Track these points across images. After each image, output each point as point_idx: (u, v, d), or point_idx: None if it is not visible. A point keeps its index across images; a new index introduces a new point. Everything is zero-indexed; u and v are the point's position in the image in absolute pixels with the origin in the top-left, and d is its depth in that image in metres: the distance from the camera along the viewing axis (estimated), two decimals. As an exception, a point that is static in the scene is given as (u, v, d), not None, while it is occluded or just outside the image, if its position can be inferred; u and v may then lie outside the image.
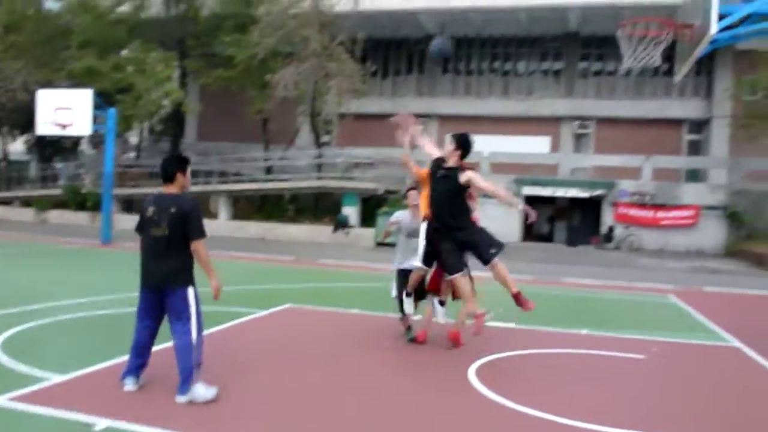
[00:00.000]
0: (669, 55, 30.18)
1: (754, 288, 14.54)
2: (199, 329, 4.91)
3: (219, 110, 30.35)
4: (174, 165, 5.06)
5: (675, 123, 30.26)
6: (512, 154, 27.91)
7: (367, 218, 23.86)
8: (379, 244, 22.44)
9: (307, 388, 5.41)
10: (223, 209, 25.43)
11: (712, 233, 24.62)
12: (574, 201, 27.53)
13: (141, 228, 5.02)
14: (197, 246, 4.88)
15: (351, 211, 23.90)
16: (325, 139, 28.91)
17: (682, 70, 6.68)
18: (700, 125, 30.18)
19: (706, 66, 29.18)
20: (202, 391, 4.80)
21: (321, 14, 22.93)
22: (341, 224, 23.19)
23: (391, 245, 7.75)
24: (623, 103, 30.54)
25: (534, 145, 30.71)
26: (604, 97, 30.97)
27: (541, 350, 7.19)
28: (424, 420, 4.74)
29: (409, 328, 7.28)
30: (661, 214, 24.93)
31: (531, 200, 27.50)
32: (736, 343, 8.11)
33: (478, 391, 5.47)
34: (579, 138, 31.29)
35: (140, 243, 5.05)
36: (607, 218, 25.91)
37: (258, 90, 24.50)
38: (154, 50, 25.48)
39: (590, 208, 26.90)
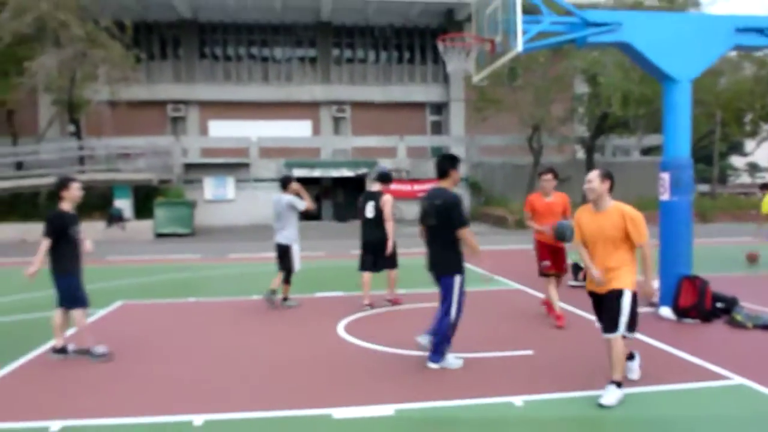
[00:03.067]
0: (410, 44, 33.41)
1: (504, 244, 17.67)
2: (458, 312, 5.67)
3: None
4: (447, 162, 5.79)
5: (419, 106, 33.96)
6: (279, 139, 28.98)
7: (142, 210, 23.08)
8: (159, 236, 22.01)
9: (218, 356, 5.99)
10: (-33, 212, 22.48)
11: (459, 201, 28.50)
12: (338, 180, 29.57)
13: (421, 219, 5.82)
14: (462, 234, 5.57)
15: (124, 204, 22.83)
16: (72, 129, 26.80)
17: (481, 74, 8.34)
18: (440, 107, 34.27)
19: (442, 54, 33.15)
20: (452, 360, 5.71)
21: (77, -3, 21.29)
22: (115, 218, 22.11)
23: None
24: (374, 88, 33.31)
25: (296, 130, 32.17)
26: (358, 83, 33.43)
27: (387, 309, 8.53)
28: (306, 352, 5.83)
29: (273, 292, 8.65)
30: (417, 187, 28.10)
31: (301, 182, 28.88)
32: (518, 286, 10.35)
33: (343, 338, 7.01)
34: (337, 121, 33.41)
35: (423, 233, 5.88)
36: (369, 194, 28.31)
37: (1, 78, 21.98)
38: None
39: (353, 186, 29.14)
